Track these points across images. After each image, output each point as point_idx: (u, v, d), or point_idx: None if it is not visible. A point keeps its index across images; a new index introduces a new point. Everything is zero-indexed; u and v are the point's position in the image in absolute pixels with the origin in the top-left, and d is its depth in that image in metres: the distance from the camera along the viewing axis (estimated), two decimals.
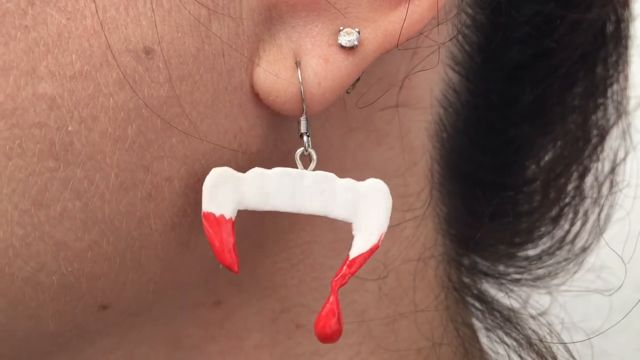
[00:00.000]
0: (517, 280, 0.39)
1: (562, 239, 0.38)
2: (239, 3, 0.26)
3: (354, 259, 0.27)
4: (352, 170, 0.31)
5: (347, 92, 0.29)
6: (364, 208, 0.27)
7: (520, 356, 0.35)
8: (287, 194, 0.27)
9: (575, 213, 0.38)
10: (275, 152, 0.29)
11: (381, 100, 0.31)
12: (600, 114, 0.36)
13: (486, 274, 0.38)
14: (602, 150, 0.37)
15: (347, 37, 0.27)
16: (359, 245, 0.27)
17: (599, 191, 0.38)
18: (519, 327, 0.36)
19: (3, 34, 0.24)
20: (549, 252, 0.39)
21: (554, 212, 0.38)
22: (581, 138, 0.36)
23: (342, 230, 0.31)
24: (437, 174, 0.34)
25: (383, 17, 0.27)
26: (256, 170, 0.27)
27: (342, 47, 0.27)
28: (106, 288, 0.27)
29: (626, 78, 0.37)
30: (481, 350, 0.36)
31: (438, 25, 0.29)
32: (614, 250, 0.33)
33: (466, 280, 0.37)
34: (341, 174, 0.28)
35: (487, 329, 0.37)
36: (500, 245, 0.38)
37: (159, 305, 0.30)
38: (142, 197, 0.26)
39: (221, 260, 0.26)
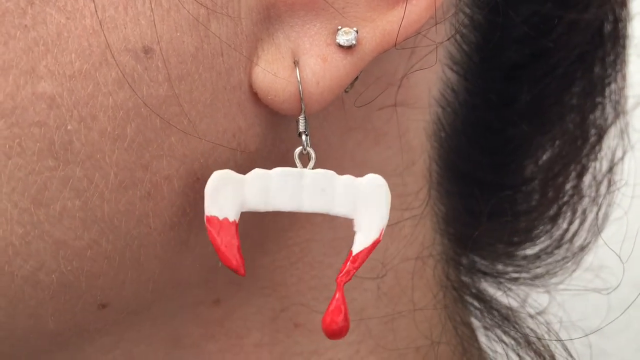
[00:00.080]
0: (515, 279, 0.39)
1: (561, 238, 0.38)
2: (237, 3, 0.26)
3: (357, 254, 0.27)
4: (350, 169, 0.31)
5: (346, 92, 0.29)
6: (364, 203, 0.27)
7: (518, 355, 0.35)
8: (288, 194, 0.27)
9: (574, 212, 0.38)
10: (273, 151, 0.29)
11: (379, 99, 0.31)
12: (598, 113, 0.37)
13: (485, 273, 0.38)
14: (600, 150, 0.37)
15: (345, 37, 0.27)
16: (361, 241, 0.27)
17: (597, 190, 0.38)
18: (517, 326, 0.36)
19: (3, 34, 0.24)
20: (548, 251, 0.39)
21: (552, 211, 0.38)
22: (579, 137, 0.37)
23: (341, 228, 0.32)
24: (436, 173, 0.34)
25: (381, 16, 0.27)
26: (257, 172, 0.27)
27: (340, 46, 0.27)
28: (105, 287, 0.28)
29: (624, 77, 0.37)
30: (480, 349, 0.36)
31: (436, 24, 0.29)
32: (612, 249, 0.33)
33: (465, 279, 0.37)
34: (340, 173, 0.28)
35: (485, 328, 0.37)
36: (499, 245, 0.38)
37: (158, 304, 0.30)
38: (141, 196, 0.26)
39: (227, 264, 0.26)
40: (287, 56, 0.27)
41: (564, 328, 0.36)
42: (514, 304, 0.38)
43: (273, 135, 0.29)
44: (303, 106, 0.27)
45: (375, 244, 0.27)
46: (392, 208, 0.32)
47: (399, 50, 0.30)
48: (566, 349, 0.34)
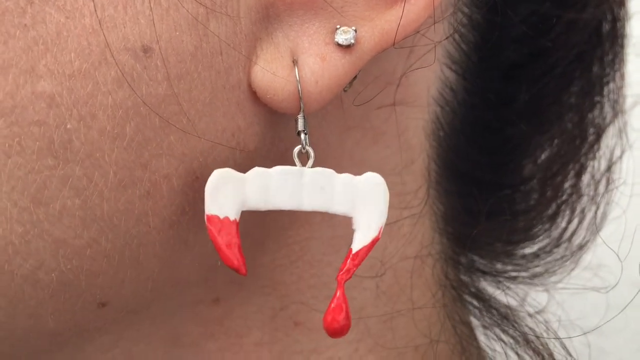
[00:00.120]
0: (514, 278, 0.39)
1: (559, 237, 0.39)
2: (236, 2, 0.26)
3: (357, 252, 0.27)
4: (349, 168, 0.31)
5: (345, 91, 0.29)
6: (362, 202, 0.27)
7: (517, 353, 0.35)
8: (288, 192, 0.27)
9: (573, 211, 0.38)
10: (272, 150, 0.29)
11: (378, 98, 0.31)
12: (596, 112, 0.37)
13: (484, 272, 0.38)
14: (598, 149, 0.37)
15: (344, 36, 0.27)
16: (360, 239, 0.27)
17: (596, 189, 0.38)
18: (516, 325, 0.36)
19: (2, 33, 0.24)
20: (546, 250, 0.39)
21: (551, 211, 0.38)
22: (578, 136, 0.37)
23: (340, 227, 0.32)
24: (434, 172, 0.34)
25: (380, 15, 0.27)
26: (257, 170, 0.27)
27: (339, 45, 0.27)
28: (105, 285, 0.28)
29: (622, 77, 0.37)
30: (478, 347, 0.36)
31: (434, 24, 0.29)
32: (610, 248, 0.33)
33: (464, 278, 0.37)
34: (339, 172, 0.28)
35: (484, 327, 0.37)
36: (498, 244, 0.38)
37: (158, 303, 0.31)
38: (141, 194, 0.26)
39: (229, 263, 0.26)
40: (286, 55, 0.27)
41: (563, 327, 0.36)
42: (513, 303, 0.38)
43: (272, 134, 0.29)
44: (302, 105, 0.27)
45: (374, 242, 0.27)
46: (391, 207, 0.32)
47: (398, 50, 0.30)
48: (565, 348, 0.34)
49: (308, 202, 0.27)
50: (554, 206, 0.38)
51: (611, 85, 0.37)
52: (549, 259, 0.39)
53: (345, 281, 0.27)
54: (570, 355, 0.34)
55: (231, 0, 0.26)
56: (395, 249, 0.33)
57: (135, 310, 0.30)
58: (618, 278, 0.34)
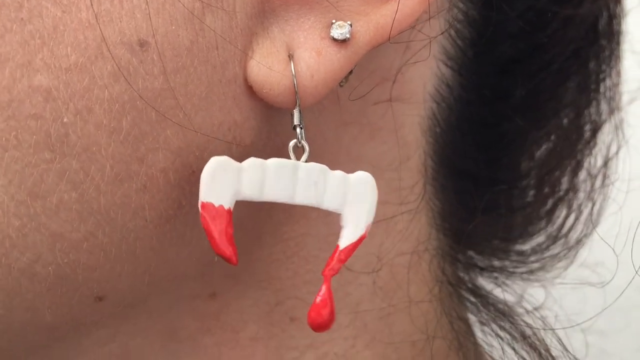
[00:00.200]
0: (511, 274, 0.39)
1: (556, 233, 0.39)
2: None
3: (344, 248, 0.28)
4: (345, 164, 0.31)
5: (340, 86, 0.29)
6: (352, 199, 0.28)
7: (514, 349, 0.35)
8: (282, 185, 0.27)
9: (569, 207, 0.38)
10: (269, 145, 0.29)
11: (375, 94, 0.31)
12: (593, 108, 0.37)
13: (481, 268, 0.38)
14: (595, 145, 0.37)
15: (340, 30, 0.27)
16: (348, 236, 0.28)
17: (592, 185, 0.38)
18: (512, 321, 0.36)
19: None
20: (543, 246, 0.39)
21: (547, 207, 0.38)
22: (574, 133, 0.37)
23: (335, 224, 0.32)
24: (431, 168, 0.34)
25: (375, 10, 0.27)
26: (253, 160, 0.27)
27: (334, 40, 0.27)
28: (102, 279, 0.28)
29: (618, 73, 0.37)
30: (475, 344, 0.36)
31: (430, 19, 0.29)
32: (607, 243, 0.33)
33: (461, 274, 0.37)
34: (335, 168, 0.28)
35: (481, 323, 0.37)
36: (495, 240, 0.38)
37: (155, 297, 0.31)
38: (137, 188, 0.26)
39: (219, 252, 0.26)
40: (281, 50, 0.27)
41: (560, 322, 0.36)
42: (510, 299, 0.38)
43: (268, 129, 0.29)
44: (298, 99, 0.27)
45: (361, 239, 0.28)
46: (388, 202, 0.32)
47: (394, 45, 0.30)
48: (561, 343, 0.34)
49: (300, 196, 0.27)
50: (550, 202, 0.38)
51: (607, 81, 0.37)
52: (545, 255, 0.39)
53: (332, 277, 0.27)
54: (566, 349, 0.34)
55: None
56: (392, 245, 0.33)
57: (132, 304, 0.30)
58: (614, 273, 0.34)
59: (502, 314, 0.37)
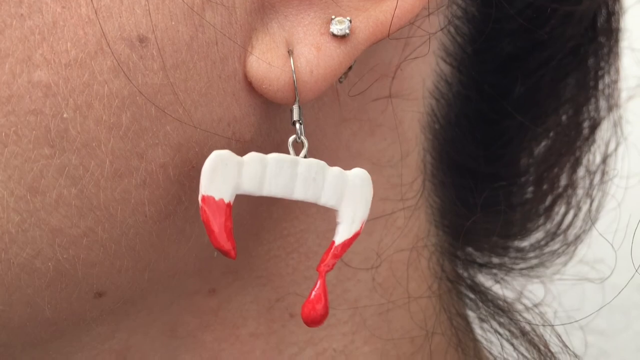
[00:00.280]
0: (510, 270, 0.39)
1: (555, 229, 0.39)
2: None
3: (339, 244, 0.28)
4: (345, 160, 0.31)
5: (340, 82, 0.29)
6: (349, 196, 0.28)
7: (513, 345, 0.35)
8: (282, 180, 0.27)
9: (568, 203, 0.38)
10: (268, 141, 0.29)
11: (374, 90, 0.31)
12: (591, 105, 0.37)
13: (480, 265, 0.38)
14: (593, 142, 0.37)
15: (339, 26, 0.27)
16: (343, 232, 0.28)
17: (591, 182, 0.38)
18: (511, 317, 0.36)
19: None
20: (543, 243, 0.39)
21: (547, 203, 0.38)
22: (573, 129, 0.37)
23: (335, 220, 0.32)
24: (430, 165, 0.34)
25: (374, 6, 0.27)
26: (254, 155, 0.27)
27: (333, 35, 0.27)
28: (101, 275, 0.28)
29: (617, 70, 0.37)
30: (474, 340, 0.36)
31: (429, 15, 0.29)
32: (605, 239, 0.34)
33: (460, 270, 0.37)
34: (335, 164, 0.28)
35: (480, 319, 0.37)
36: (494, 236, 0.38)
37: (154, 294, 0.31)
38: (137, 184, 0.26)
39: (218, 246, 0.26)
40: (281, 45, 0.27)
41: (559, 319, 0.36)
42: (510, 295, 0.38)
43: (268, 124, 0.29)
44: (297, 95, 0.27)
45: (355, 235, 0.28)
46: (387, 199, 0.32)
47: (393, 41, 0.30)
48: (560, 339, 0.34)
49: (299, 191, 0.27)
50: (549, 199, 0.38)
51: (606, 78, 0.37)
52: (544, 251, 0.39)
53: (326, 272, 0.28)
54: (565, 345, 0.34)
55: None
56: (391, 241, 0.33)
57: (132, 300, 0.30)
58: (612, 269, 0.34)
59: (501, 310, 0.37)
